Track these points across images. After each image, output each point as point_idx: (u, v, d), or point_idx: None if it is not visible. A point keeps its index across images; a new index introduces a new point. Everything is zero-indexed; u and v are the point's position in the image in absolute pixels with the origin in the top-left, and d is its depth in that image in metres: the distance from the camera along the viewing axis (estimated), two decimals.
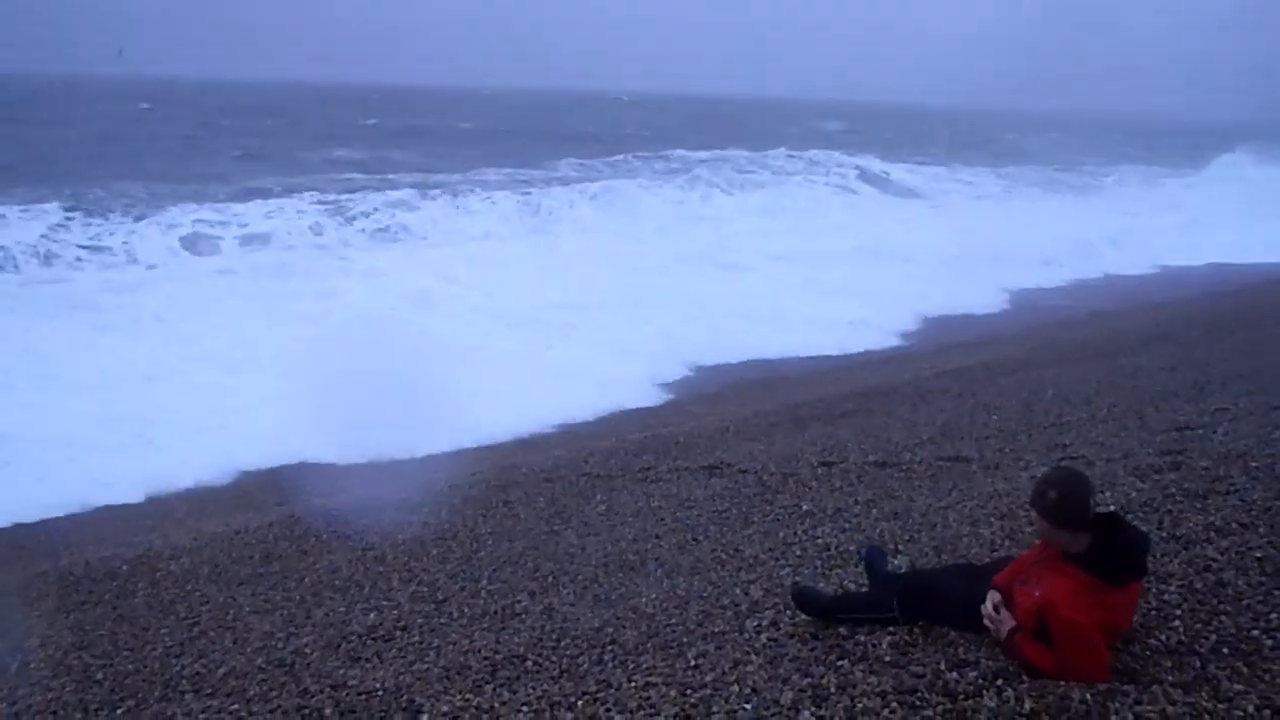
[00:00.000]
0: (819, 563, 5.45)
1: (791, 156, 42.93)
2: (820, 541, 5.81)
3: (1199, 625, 3.93)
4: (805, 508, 6.57)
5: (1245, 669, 3.60)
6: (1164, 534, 4.86)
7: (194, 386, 12.14)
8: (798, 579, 5.07)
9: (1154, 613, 4.06)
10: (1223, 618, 3.96)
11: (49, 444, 10.08)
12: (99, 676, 5.40)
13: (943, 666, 3.86)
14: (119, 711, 4.99)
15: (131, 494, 9.36)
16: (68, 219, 21.99)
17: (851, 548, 5.56)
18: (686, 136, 58.59)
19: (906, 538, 5.59)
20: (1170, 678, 3.60)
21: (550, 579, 5.98)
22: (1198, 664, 3.67)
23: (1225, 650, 3.74)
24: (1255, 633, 3.81)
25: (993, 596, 3.98)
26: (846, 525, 6.05)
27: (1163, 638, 3.88)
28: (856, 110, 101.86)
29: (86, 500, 9.15)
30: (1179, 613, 4.04)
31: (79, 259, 19.99)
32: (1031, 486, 4.07)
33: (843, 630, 4.32)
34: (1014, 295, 19.59)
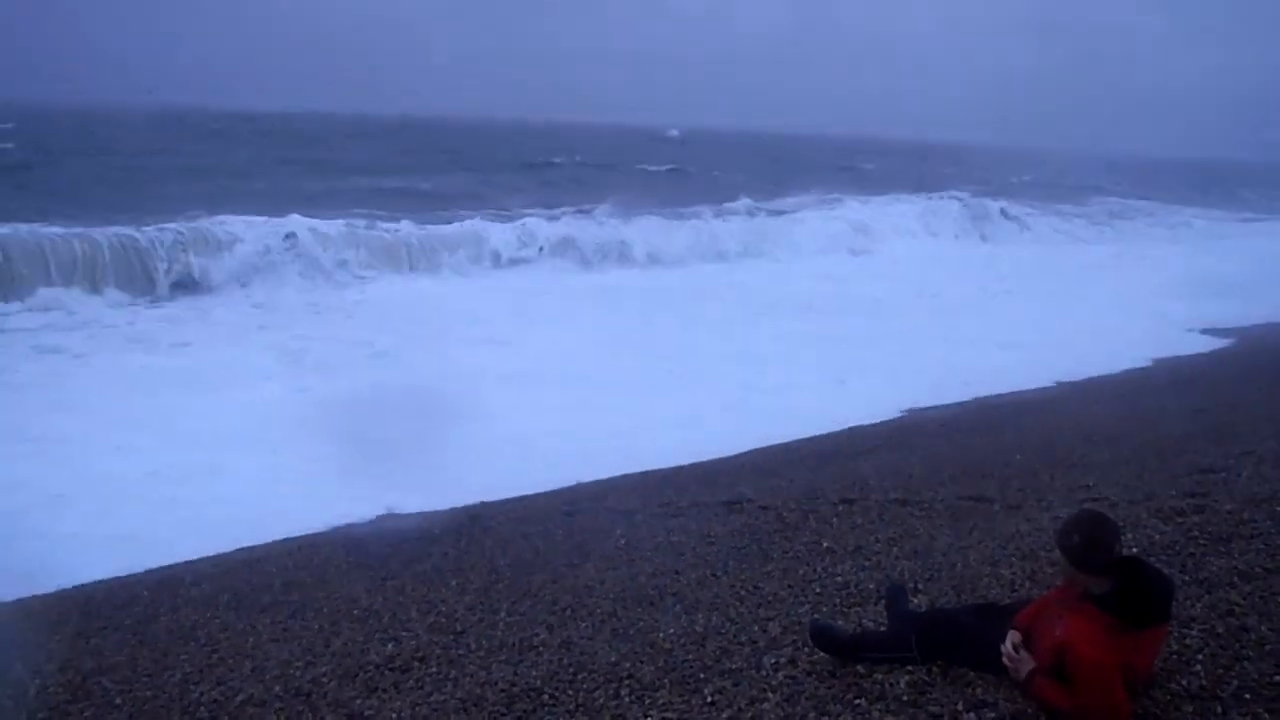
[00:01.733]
0: (838, 600, 5.43)
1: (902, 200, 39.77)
2: (840, 579, 5.78)
3: (1221, 671, 3.89)
4: (825, 545, 6.54)
5: (1268, 716, 3.56)
6: (1186, 578, 4.82)
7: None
8: (816, 616, 5.05)
9: (1175, 657, 4.02)
10: (1245, 664, 3.92)
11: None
12: (118, 701, 5.42)
13: (960, 707, 3.83)
14: None
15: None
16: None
17: (871, 586, 5.53)
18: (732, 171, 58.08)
19: (927, 576, 5.55)
20: None
21: (568, 612, 5.97)
22: (1219, 710, 3.64)
23: (1247, 696, 3.70)
24: (1278, 679, 3.77)
25: (1013, 636, 3.96)
26: (866, 563, 6.02)
27: (1184, 683, 3.84)
28: (881, 148, 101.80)
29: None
30: (1200, 658, 4.00)
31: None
32: (1054, 527, 4.05)
33: (860, 669, 4.30)
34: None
